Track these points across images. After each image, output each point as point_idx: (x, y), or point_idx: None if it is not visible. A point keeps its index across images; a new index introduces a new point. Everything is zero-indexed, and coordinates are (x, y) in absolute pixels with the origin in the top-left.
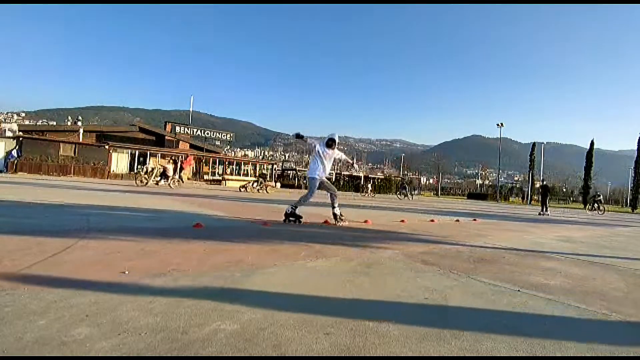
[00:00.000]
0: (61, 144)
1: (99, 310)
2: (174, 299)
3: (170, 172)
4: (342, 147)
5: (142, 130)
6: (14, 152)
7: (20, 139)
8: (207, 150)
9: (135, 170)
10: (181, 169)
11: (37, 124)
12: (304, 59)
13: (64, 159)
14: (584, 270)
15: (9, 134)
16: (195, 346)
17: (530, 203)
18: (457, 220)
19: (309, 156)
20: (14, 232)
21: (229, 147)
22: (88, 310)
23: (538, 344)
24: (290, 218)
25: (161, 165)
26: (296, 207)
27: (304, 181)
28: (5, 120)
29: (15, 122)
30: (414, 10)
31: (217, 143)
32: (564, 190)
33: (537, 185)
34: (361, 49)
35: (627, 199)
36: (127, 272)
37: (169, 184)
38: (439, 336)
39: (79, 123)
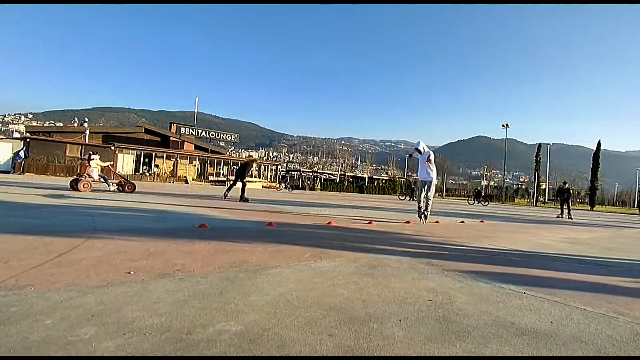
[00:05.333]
0: (68, 145)
1: (105, 310)
2: (179, 300)
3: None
4: (346, 148)
5: (147, 131)
6: (22, 153)
7: (28, 140)
8: (212, 152)
9: (140, 171)
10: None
11: (45, 125)
12: (308, 59)
13: (70, 159)
14: (590, 272)
15: (16, 135)
16: (200, 346)
17: (536, 204)
18: (462, 222)
19: (313, 157)
20: (21, 232)
21: (233, 148)
22: (94, 310)
23: (544, 346)
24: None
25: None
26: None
27: (308, 182)
28: (13, 121)
29: (23, 123)
30: (418, 10)
31: (221, 144)
32: (570, 191)
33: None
34: (365, 50)
35: (634, 201)
36: (132, 272)
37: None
38: (444, 338)
39: (85, 124)
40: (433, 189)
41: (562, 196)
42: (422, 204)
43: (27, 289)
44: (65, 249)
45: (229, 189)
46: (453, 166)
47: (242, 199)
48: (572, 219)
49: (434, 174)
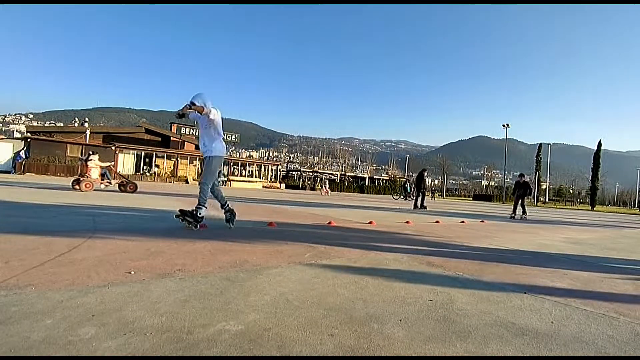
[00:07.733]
0: (68, 145)
1: (105, 310)
2: (179, 299)
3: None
4: (346, 148)
5: (147, 131)
6: (22, 153)
7: (28, 140)
8: None
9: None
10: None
11: (45, 125)
12: (308, 59)
13: (71, 160)
14: (591, 272)
15: (17, 135)
16: (200, 346)
17: (536, 204)
18: (463, 222)
19: (313, 157)
20: (22, 232)
21: (233, 148)
22: (94, 310)
23: (545, 347)
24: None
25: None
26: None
27: (309, 182)
28: (13, 121)
29: (24, 123)
30: (417, 10)
31: None
32: (571, 191)
33: (544, 186)
34: (365, 50)
35: (635, 201)
36: (133, 272)
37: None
38: (444, 338)
39: (86, 124)
40: (206, 170)
41: (520, 192)
42: (219, 196)
43: (27, 288)
44: (66, 249)
45: (421, 200)
46: (453, 166)
47: (422, 206)
48: (526, 219)
49: (216, 144)
